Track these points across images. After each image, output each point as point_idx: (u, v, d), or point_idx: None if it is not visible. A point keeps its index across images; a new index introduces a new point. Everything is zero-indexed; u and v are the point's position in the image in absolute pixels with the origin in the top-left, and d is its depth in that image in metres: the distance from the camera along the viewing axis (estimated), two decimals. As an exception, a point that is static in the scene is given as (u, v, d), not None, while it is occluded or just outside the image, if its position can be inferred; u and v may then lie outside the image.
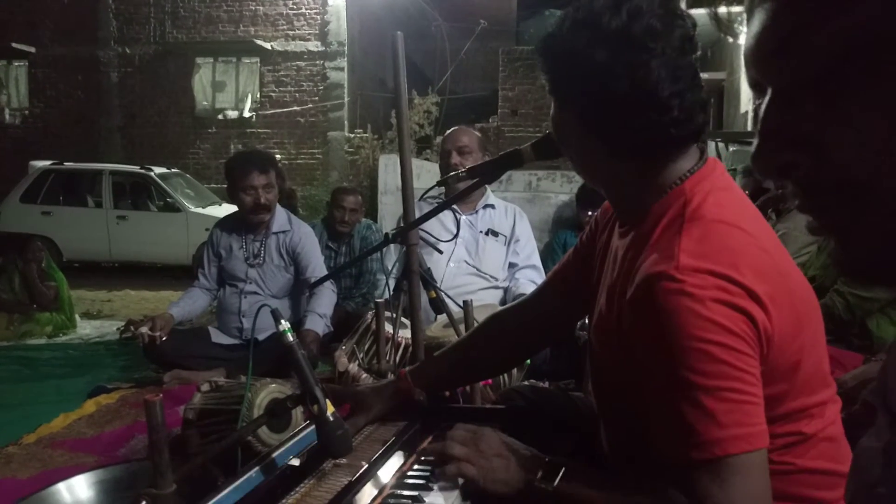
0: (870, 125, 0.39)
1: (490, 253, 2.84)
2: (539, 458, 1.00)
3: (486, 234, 2.87)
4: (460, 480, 1.02)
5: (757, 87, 0.47)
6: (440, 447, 1.05)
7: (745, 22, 0.45)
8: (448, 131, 2.96)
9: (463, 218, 2.84)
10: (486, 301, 2.69)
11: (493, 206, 2.94)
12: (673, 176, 1.00)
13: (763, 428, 0.86)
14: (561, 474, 0.96)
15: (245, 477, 1.01)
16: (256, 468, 1.04)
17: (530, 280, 2.80)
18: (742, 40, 0.46)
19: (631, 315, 0.93)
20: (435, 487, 1.02)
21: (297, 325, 2.99)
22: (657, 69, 0.92)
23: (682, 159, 1.00)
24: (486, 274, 2.81)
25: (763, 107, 0.45)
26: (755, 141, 0.45)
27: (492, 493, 1.00)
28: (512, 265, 2.89)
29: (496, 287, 2.82)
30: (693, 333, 0.84)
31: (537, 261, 2.94)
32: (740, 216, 0.96)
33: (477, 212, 2.90)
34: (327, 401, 1.02)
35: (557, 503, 0.96)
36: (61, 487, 1.34)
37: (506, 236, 2.90)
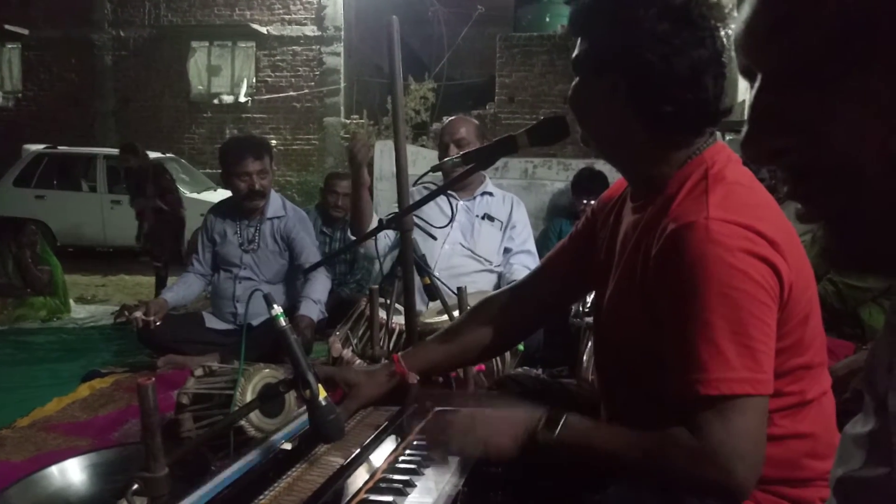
0: (860, 111, 0.39)
1: (485, 236, 2.85)
2: (536, 412, 1.03)
3: (483, 218, 2.88)
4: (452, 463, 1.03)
5: (747, 74, 0.46)
6: (441, 447, 1.05)
7: (735, 9, 0.45)
8: (446, 121, 2.96)
9: (460, 203, 2.85)
10: (480, 285, 2.70)
11: (490, 194, 2.95)
12: (691, 149, 1.06)
13: (769, 377, 0.91)
14: (561, 423, 1.00)
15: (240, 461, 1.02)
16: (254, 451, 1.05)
17: (524, 265, 2.81)
18: (733, 27, 0.46)
19: (658, 266, 0.98)
20: (427, 472, 1.02)
21: (291, 310, 2.99)
22: (710, 48, 0.99)
23: (700, 136, 1.06)
24: (480, 257, 2.82)
25: (753, 92, 0.44)
26: (745, 127, 0.45)
27: (502, 457, 1.03)
28: (507, 250, 2.90)
29: (490, 271, 2.83)
30: (720, 279, 0.90)
31: (532, 246, 2.94)
32: (754, 182, 1.04)
33: (475, 198, 2.92)
34: (319, 385, 1.03)
35: (560, 452, 1.00)
36: (54, 470, 1.34)
37: (502, 222, 2.91)
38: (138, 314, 2.96)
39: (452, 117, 2.97)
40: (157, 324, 2.97)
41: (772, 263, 0.92)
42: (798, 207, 0.45)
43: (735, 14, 0.46)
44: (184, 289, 3.22)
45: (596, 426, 1.02)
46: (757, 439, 0.90)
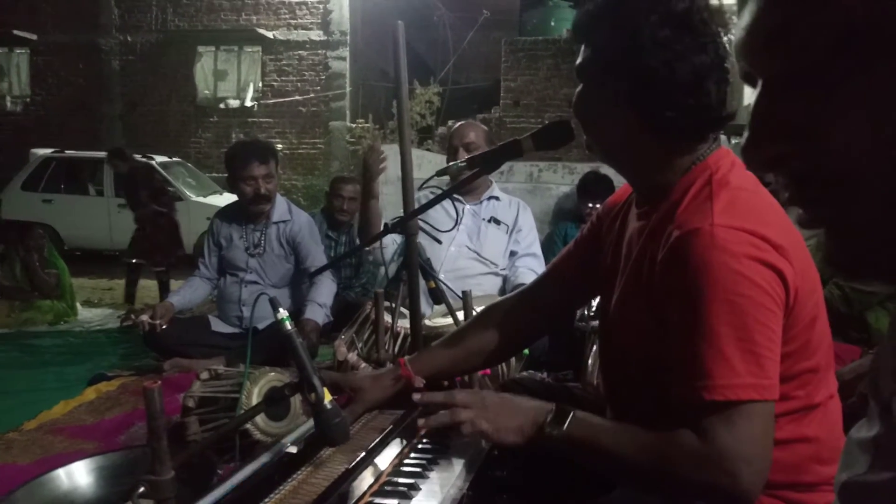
0: (861, 116, 0.38)
1: (491, 239, 2.86)
2: (545, 406, 1.04)
3: (489, 221, 2.89)
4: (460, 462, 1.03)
5: (748, 79, 0.46)
6: (446, 412, 1.06)
7: (736, 13, 0.45)
8: (455, 126, 2.95)
9: (467, 207, 2.86)
10: (486, 287, 2.70)
11: (497, 199, 2.96)
12: (695, 155, 1.06)
13: (774, 383, 0.91)
14: (570, 418, 1.00)
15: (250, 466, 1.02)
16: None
17: (530, 268, 2.81)
18: (734, 32, 0.46)
19: (663, 272, 0.98)
20: (432, 475, 1.02)
21: (297, 314, 2.99)
22: (712, 53, 0.99)
23: (704, 142, 1.06)
24: (486, 260, 2.82)
25: (754, 99, 0.44)
26: (746, 133, 0.44)
27: (505, 444, 1.03)
28: (513, 253, 2.90)
29: (496, 274, 2.83)
30: (725, 286, 0.90)
31: (538, 250, 2.95)
32: (759, 186, 1.04)
33: (481, 202, 2.93)
34: (325, 389, 1.03)
35: (567, 447, 1.00)
36: (61, 473, 1.35)
37: (508, 225, 2.92)
38: (144, 318, 2.98)
39: (461, 122, 2.97)
40: (164, 327, 2.98)
41: (777, 269, 0.92)
42: (800, 214, 0.44)
43: (735, 20, 0.46)
44: (190, 292, 3.23)
45: (603, 424, 1.02)
46: (763, 444, 0.90)
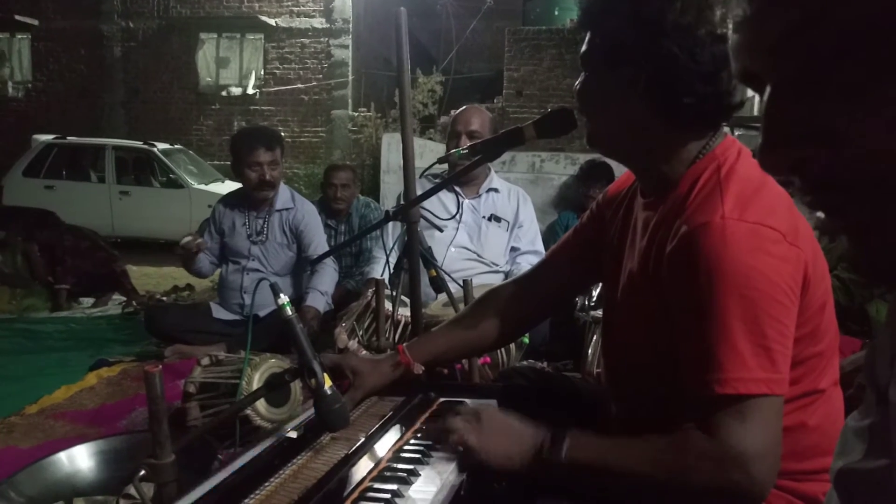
0: (889, 118, 0.36)
1: (492, 239, 2.82)
2: (541, 431, 1.02)
3: (489, 219, 2.84)
4: (458, 453, 1.03)
5: (749, 80, 0.44)
6: (440, 424, 1.06)
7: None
8: (459, 110, 2.86)
9: (466, 202, 2.81)
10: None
11: (496, 191, 2.90)
12: (701, 144, 1.05)
13: (784, 377, 0.91)
14: (566, 441, 0.98)
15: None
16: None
17: (531, 265, 2.79)
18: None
19: (673, 266, 0.97)
20: (431, 462, 1.03)
21: (298, 302, 3.00)
22: (727, 42, 0.96)
23: (712, 131, 1.06)
24: (486, 260, 2.80)
25: (766, 101, 0.42)
26: (761, 137, 0.42)
27: (494, 466, 1.01)
28: (514, 249, 2.88)
29: (496, 272, 2.82)
30: (737, 280, 0.90)
31: (540, 246, 2.92)
32: (766, 175, 1.01)
33: (480, 196, 2.87)
34: (325, 374, 1.03)
35: (569, 472, 0.98)
36: (62, 456, 1.36)
37: (509, 222, 2.87)
38: (188, 239, 3.00)
39: (465, 106, 2.87)
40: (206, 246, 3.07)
41: (789, 260, 0.92)
42: (821, 219, 0.42)
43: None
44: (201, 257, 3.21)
45: (604, 442, 0.99)
46: (775, 439, 0.90)
